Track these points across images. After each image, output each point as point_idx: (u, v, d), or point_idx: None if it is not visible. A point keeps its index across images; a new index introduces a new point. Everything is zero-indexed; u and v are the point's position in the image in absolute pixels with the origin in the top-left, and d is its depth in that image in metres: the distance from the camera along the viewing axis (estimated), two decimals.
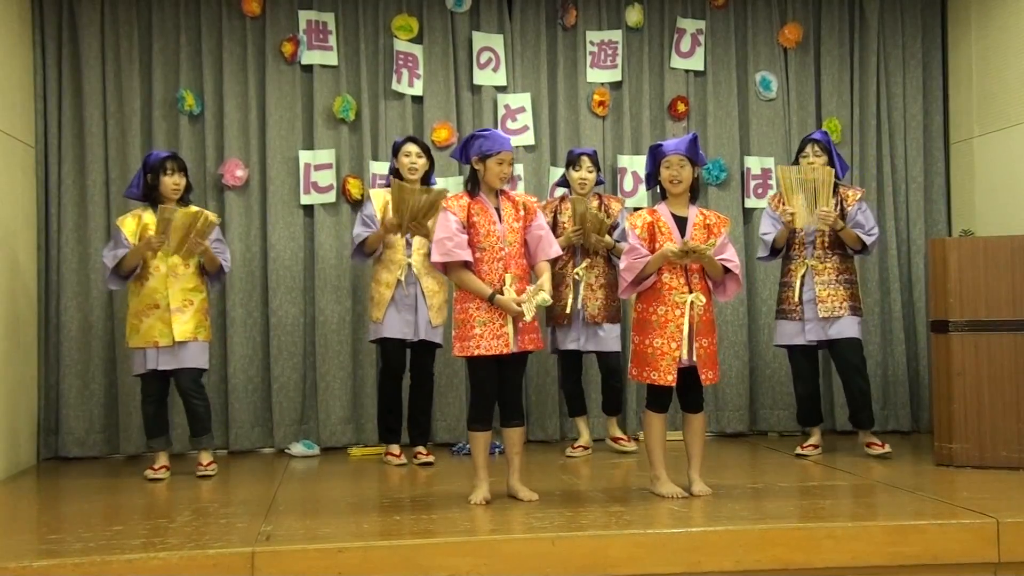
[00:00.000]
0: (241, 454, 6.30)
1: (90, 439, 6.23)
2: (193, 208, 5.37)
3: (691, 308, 4.41)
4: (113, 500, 4.94)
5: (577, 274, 5.79)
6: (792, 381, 5.92)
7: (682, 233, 4.47)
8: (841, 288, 5.58)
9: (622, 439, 6.06)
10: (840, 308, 5.55)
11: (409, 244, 5.56)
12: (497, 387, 4.51)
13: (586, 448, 5.97)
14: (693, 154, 4.51)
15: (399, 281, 5.55)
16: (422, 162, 5.62)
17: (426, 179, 5.69)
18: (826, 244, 5.58)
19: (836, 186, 5.61)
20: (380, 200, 5.64)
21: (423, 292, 5.57)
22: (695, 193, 4.56)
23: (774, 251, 5.73)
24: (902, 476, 5.06)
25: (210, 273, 5.53)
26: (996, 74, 6.36)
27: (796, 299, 5.59)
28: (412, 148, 5.63)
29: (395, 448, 5.78)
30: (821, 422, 5.90)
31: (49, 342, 6.24)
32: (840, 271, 5.60)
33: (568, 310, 5.78)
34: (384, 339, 5.62)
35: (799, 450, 5.76)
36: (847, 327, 5.58)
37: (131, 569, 3.53)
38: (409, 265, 5.56)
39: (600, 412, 6.26)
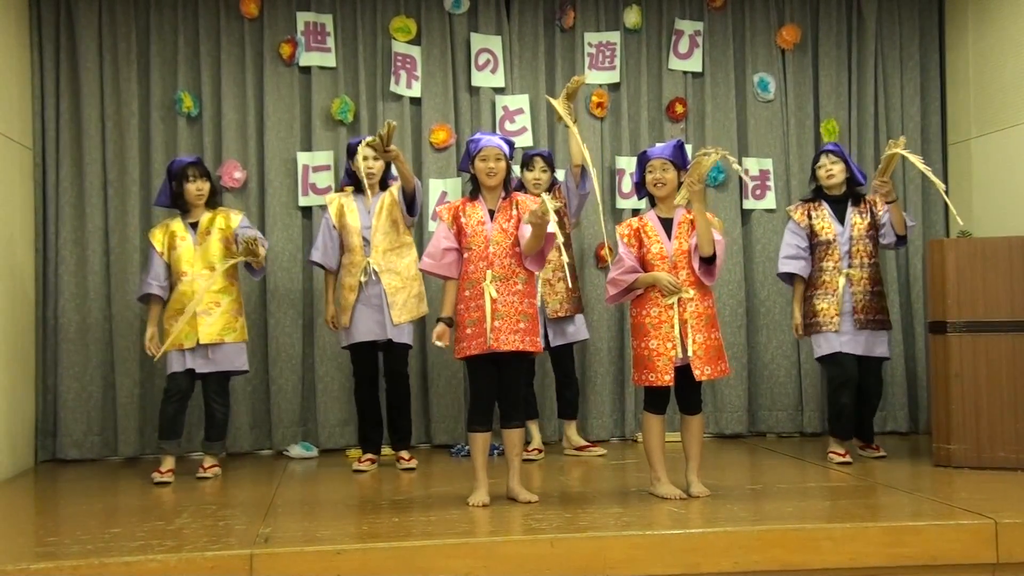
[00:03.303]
0: (240, 456, 6.30)
1: (88, 441, 6.23)
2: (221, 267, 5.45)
3: (680, 305, 4.42)
4: (111, 502, 4.94)
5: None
6: (831, 389, 5.57)
7: (668, 235, 4.51)
8: (875, 300, 5.49)
9: (589, 446, 5.97)
10: (875, 322, 5.46)
11: (367, 242, 5.53)
12: (496, 389, 4.51)
13: (540, 451, 5.91)
14: (678, 159, 4.54)
15: (361, 283, 5.50)
16: (378, 164, 5.57)
17: (384, 179, 5.65)
18: (863, 252, 5.48)
19: (862, 195, 5.58)
20: (335, 206, 5.64)
21: (384, 291, 5.50)
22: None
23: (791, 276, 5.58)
24: (900, 477, 5.07)
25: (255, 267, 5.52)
26: (994, 75, 6.36)
27: (835, 311, 5.40)
28: (367, 151, 5.55)
29: (368, 456, 5.66)
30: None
31: (47, 344, 6.24)
32: (875, 281, 5.50)
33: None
34: (352, 345, 5.59)
35: (841, 458, 5.42)
36: (880, 345, 5.52)
37: (129, 571, 3.53)
38: (368, 264, 5.51)
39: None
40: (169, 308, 5.47)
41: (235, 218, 5.56)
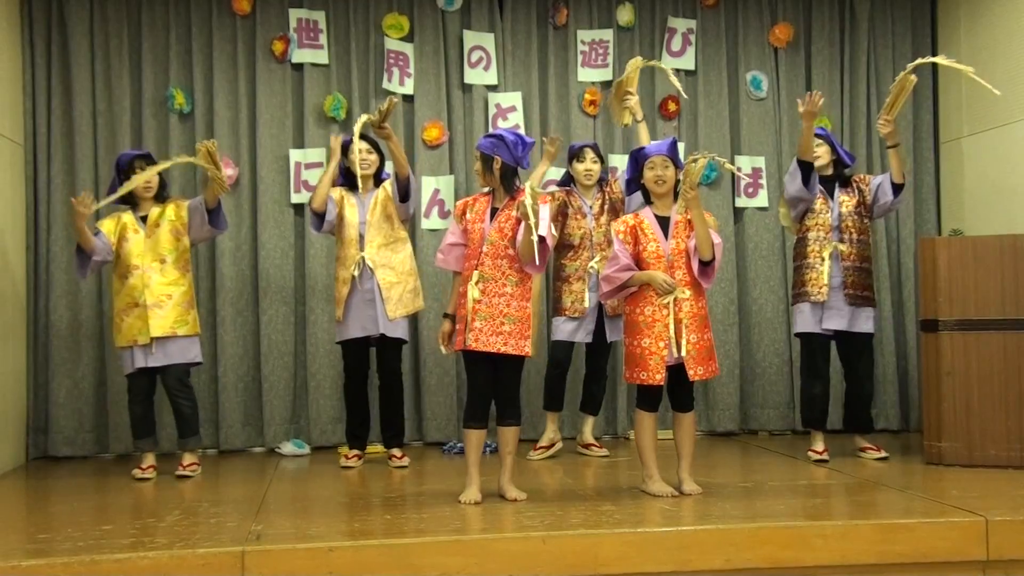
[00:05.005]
0: (231, 453, 6.29)
1: (79, 438, 6.21)
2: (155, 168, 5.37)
3: (675, 304, 4.43)
4: (102, 499, 4.94)
5: (592, 268, 5.68)
6: (803, 377, 5.65)
7: (665, 233, 4.50)
8: (864, 276, 5.50)
9: (594, 445, 5.95)
10: (862, 298, 5.47)
11: (362, 238, 5.53)
12: (493, 386, 4.50)
13: (551, 446, 5.85)
14: (674, 156, 4.54)
15: (354, 277, 5.50)
16: (372, 158, 5.58)
17: (378, 175, 5.65)
18: (852, 228, 5.48)
19: (849, 176, 5.60)
20: (338, 194, 5.63)
21: (379, 285, 5.50)
22: (676, 196, 4.57)
23: (806, 171, 5.38)
24: (892, 475, 5.08)
25: (211, 209, 5.41)
26: (985, 74, 6.33)
27: (824, 281, 5.42)
28: (362, 145, 5.50)
29: (354, 451, 5.68)
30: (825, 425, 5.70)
31: (38, 341, 6.22)
32: (863, 258, 5.51)
33: (586, 303, 5.68)
34: (345, 340, 5.59)
35: (818, 456, 5.49)
36: (866, 321, 5.51)
37: (120, 569, 3.52)
38: (363, 259, 5.51)
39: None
40: (120, 302, 5.41)
41: (184, 204, 5.50)
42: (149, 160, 5.49)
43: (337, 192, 5.63)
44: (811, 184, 5.45)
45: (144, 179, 5.30)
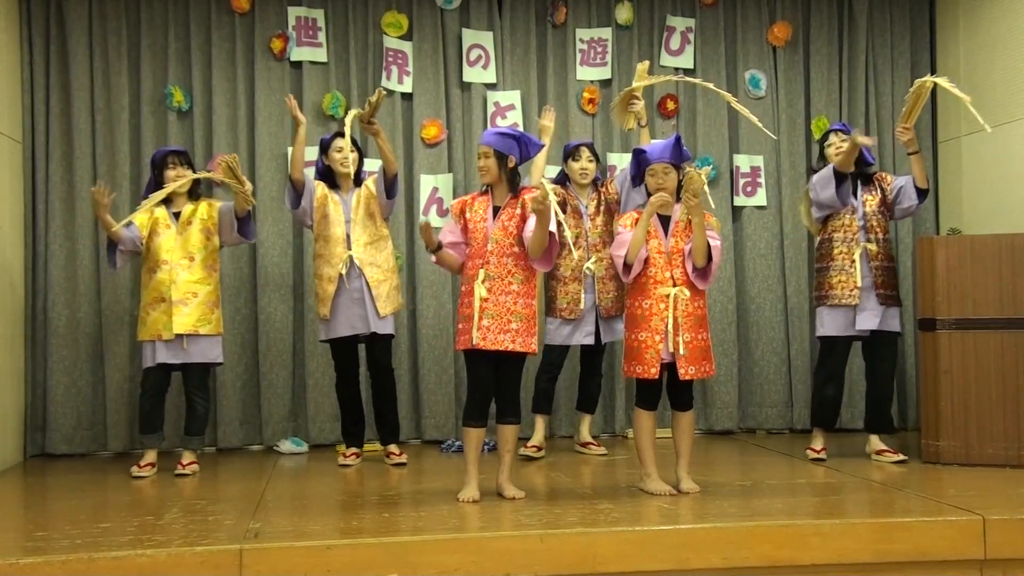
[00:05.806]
0: (229, 451, 6.29)
1: (77, 436, 6.21)
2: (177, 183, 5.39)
3: (675, 302, 4.43)
4: (100, 497, 4.93)
5: (588, 269, 5.70)
6: (818, 377, 5.62)
7: (665, 231, 4.51)
8: (891, 275, 5.46)
9: (592, 444, 5.94)
10: (892, 297, 5.43)
11: (348, 236, 5.51)
12: (493, 384, 4.50)
13: (539, 448, 5.81)
14: (676, 156, 4.53)
15: (341, 276, 5.47)
16: (354, 156, 5.55)
17: (358, 173, 5.64)
18: (877, 227, 5.43)
19: (872, 174, 5.57)
20: (321, 188, 5.61)
21: (367, 283, 5.49)
22: (679, 193, 4.56)
23: (840, 177, 5.31)
24: (889, 474, 5.08)
25: (240, 218, 5.44)
26: (984, 73, 6.38)
27: (856, 283, 5.35)
28: (343, 143, 5.48)
29: (352, 450, 5.71)
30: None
31: (36, 339, 6.22)
32: (889, 257, 5.47)
33: (582, 304, 5.69)
34: (333, 339, 5.58)
35: (816, 454, 5.50)
36: (894, 319, 5.46)
37: (118, 567, 3.52)
38: (351, 258, 5.48)
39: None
40: (147, 296, 5.43)
41: (217, 204, 5.54)
42: (183, 156, 5.53)
43: (320, 189, 5.61)
44: (843, 193, 5.38)
45: (164, 194, 5.32)
